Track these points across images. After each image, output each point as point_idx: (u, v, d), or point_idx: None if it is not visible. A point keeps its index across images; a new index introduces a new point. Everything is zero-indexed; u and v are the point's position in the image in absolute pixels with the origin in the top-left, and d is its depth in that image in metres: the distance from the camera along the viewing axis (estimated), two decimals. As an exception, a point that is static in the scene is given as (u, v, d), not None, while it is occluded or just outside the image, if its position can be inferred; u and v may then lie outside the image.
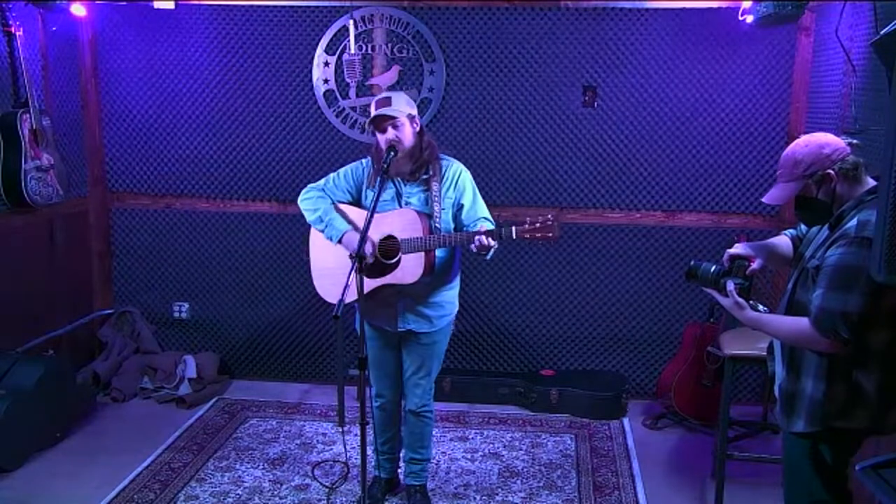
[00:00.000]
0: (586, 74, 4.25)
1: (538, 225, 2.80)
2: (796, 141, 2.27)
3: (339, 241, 3.00)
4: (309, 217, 3.09)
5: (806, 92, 4.06)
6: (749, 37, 4.07)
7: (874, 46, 2.52)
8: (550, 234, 2.81)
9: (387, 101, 2.93)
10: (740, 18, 3.91)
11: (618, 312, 4.47)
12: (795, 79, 4.09)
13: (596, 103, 4.26)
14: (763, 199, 2.34)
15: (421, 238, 2.90)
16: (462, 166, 3.08)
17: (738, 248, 2.46)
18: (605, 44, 4.20)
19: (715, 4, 4.07)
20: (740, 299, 2.32)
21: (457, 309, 3.19)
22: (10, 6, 3.80)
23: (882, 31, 2.34)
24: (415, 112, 3.00)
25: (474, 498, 3.44)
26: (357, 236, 2.90)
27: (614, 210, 4.38)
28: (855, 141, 2.22)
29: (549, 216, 2.81)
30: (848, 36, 3.31)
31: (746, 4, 3.82)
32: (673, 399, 4.09)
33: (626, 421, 4.22)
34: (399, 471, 3.48)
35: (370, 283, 2.85)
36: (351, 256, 2.80)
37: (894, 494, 1.79)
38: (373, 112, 2.94)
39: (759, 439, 3.90)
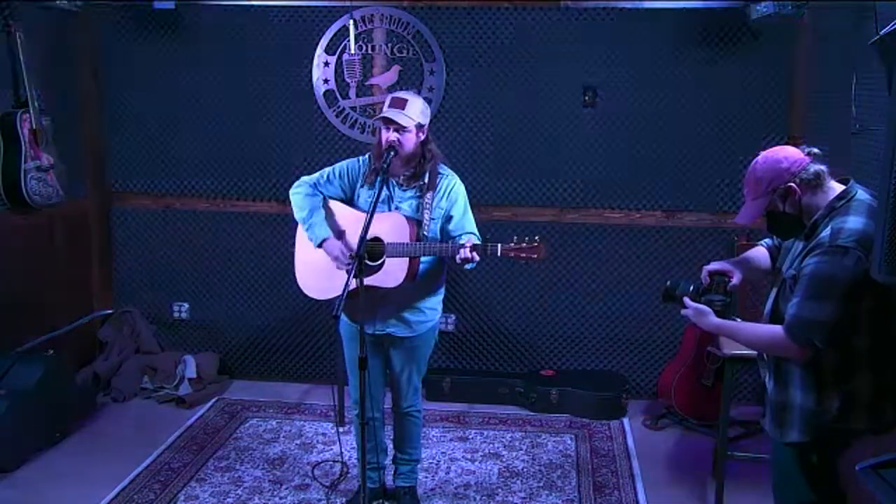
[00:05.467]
0: (586, 74, 4.24)
1: (524, 245, 2.82)
2: (756, 158, 2.26)
3: (319, 246, 3.02)
4: (296, 214, 3.11)
5: (806, 92, 4.06)
6: (749, 37, 4.07)
7: (874, 46, 2.52)
8: (535, 256, 2.82)
9: (402, 104, 2.92)
10: (740, 18, 3.90)
11: (618, 312, 4.46)
12: (795, 79, 4.08)
13: (596, 103, 4.26)
14: (735, 220, 2.35)
15: (406, 244, 2.91)
16: (458, 180, 3.08)
17: (715, 265, 2.46)
18: (605, 44, 4.20)
19: (715, 4, 4.07)
20: (702, 306, 2.33)
21: (439, 316, 3.18)
22: (10, 6, 3.79)
23: (882, 31, 2.34)
24: (425, 121, 2.98)
25: (474, 498, 3.44)
26: (336, 244, 3.00)
27: (614, 210, 4.37)
28: (815, 150, 2.21)
29: (537, 237, 2.83)
30: (848, 36, 3.30)
31: (746, 4, 3.81)
32: (673, 399, 4.08)
33: (626, 421, 4.22)
34: (387, 480, 3.45)
35: (353, 283, 2.83)
36: (351, 256, 2.80)
37: (894, 494, 1.79)
38: (385, 107, 2.94)
39: (759, 439, 3.89)
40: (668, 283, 2.46)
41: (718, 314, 2.33)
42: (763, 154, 2.25)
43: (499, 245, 2.82)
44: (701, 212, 4.31)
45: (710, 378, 4.00)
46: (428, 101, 4.30)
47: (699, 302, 2.37)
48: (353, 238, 2.99)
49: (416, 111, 2.93)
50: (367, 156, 3.12)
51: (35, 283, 4.22)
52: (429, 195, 2.99)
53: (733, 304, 2.37)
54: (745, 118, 4.17)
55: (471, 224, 3.06)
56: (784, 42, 4.06)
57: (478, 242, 2.91)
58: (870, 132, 3.00)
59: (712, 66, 4.15)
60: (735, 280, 2.42)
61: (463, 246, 2.80)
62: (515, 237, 2.85)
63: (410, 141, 2.94)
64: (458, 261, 2.82)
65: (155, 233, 4.71)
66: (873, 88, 3.05)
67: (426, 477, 3.60)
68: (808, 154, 2.20)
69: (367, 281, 2.90)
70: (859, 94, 3.18)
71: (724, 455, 3.26)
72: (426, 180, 3.00)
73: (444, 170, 3.08)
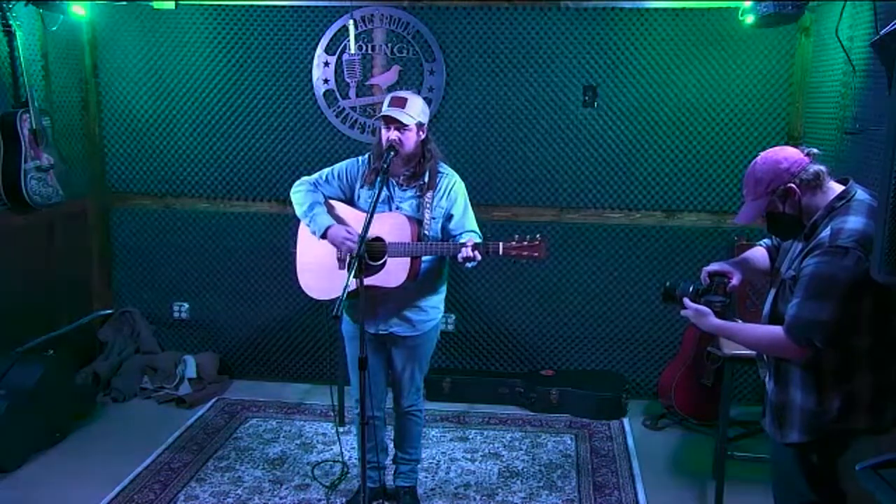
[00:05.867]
0: (586, 74, 4.25)
1: (525, 243, 2.82)
2: (755, 159, 2.26)
3: (323, 236, 3.01)
4: (297, 210, 3.10)
5: (806, 92, 4.06)
6: (749, 37, 4.07)
7: (874, 46, 2.52)
8: (537, 254, 2.82)
9: (402, 103, 2.92)
10: (740, 18, 3.91)
11: (618, 312, 4.46)
12: (795, 79, 4.09)
13: (596, 103, 4.26)
14: (734, 221, 2.34)
15: (408, 244, 2.91)
16: (458, 178, 3.08)
17: (715, 266, 2.46)
18: (605, 44, 4.20)
19: (715, 4, 4.07)
20: (701, 306, 2.33)
21: (441, 315, 3.18)
22: (10, 6, 3.79)
23: (882, 31, 2.34)
24: (425, 120, 2.99)
25: (474, 498, 3.44)
26: (340, 229, 2.97)
27: (614, 210, 4.38)
28: (814, 150, 2.21)
29: (538, 235, 2.84)
30: (848, 36, 3.31)
31: (746, 4, 3.82)
32: (673, 399, 4.09)
33: (626, 421, 4.22)
34: (387, 480, 3.44)
35: (354, 283, 2.83)
36: (352, 256, 2.81)
37: (894, 494, 1.79)
38: (385, 106, 2.93)
39: (759, 439, 3.88)
40: (668, 283, 2.46)
41: (718, 315, 2.33)
42: (762, 154, 2.25)
43: (500, 244, 2.83)
44: (701, 212, 4.32)
45: (710, 378, 4.00)
46: (428, 101, 4.31)
47: (699, 303, 2.36)
48: (356, 231, 2.98)
49: (416, 110, 2.93)
50: (366, 156, 3.12)
51: (35, 283, 4.22)
52: (429, 194, 2.99)
53: (732, 304, 2.36)
54: (745, 118, 4.18)
55: (472, 222, 3.07)
56: (784, 42, 4.07)
57: (479, 241, 2.92)
58: (870, 132, 3.00)
59: (712, 66, 4.15)
60: (735, 281, 2.42)
61: (464, 245, 2.80)
62: (517, 236, 2.85)
63: (411, 140, 2.94)
64: (459, 260, 2.83)
65: (155, 233, 4.71)
66: (873, 88, 3.05)
67: (426, 477, 3.60)
68: (808, 154, 2.19)
69: (369, 281, 2.91)
70: (859, 94, 3.18)
71: (724, 455, 3.26)
72: (426, 180, 3.00)
73: (444, 168, 3.08)
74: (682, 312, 2.39)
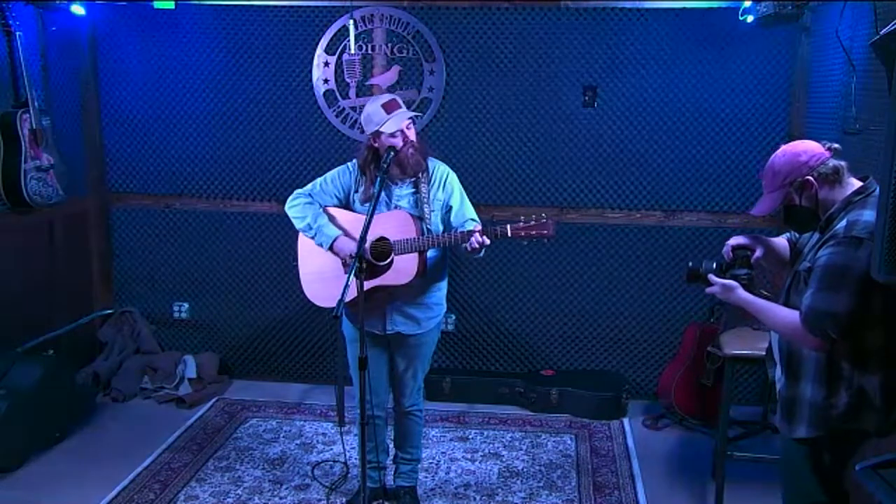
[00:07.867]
0: (586, 74, 4.25)
1: (533, 223, 2.81)
2: (776, 151, 2.27)
3: (330, 248, 3.00)
4: (298, 224, 3.08)
5: (806, 92, 4.06)
6: (749, 37, 4.07)
7: (874, 46, 2.52)
8: (546, 232, 2.81)
9: (397, 104, 2.93)
10: (740, 18, 3.91)
11: (618, 312, 4.46)
12: (795, 79, 4.08)
13: (596, 103, 4.26)
14: (751, 212, 2.35)
15: (414, 239, 2.90)
16: (448, 168, 3.09)
17: (738, 239, 2.45)
18: (605, 44, 4.20)
19: (715, 4, 4.07)
20: (728, 281, 2.32)
21: (444, 310, 3.18)
22: (10, 6, 3.79)
23: (882, 31, 2.34)
24: None
25: (474, 498, 3.44)
26: (348, 241, 2.97)
27: (614, 210, 4.38)
28: (835, 145, 2.21)
29: (544, 214, 2.83)
30: (848, 36, 3.31)
31: (746, 4, 3.82)
32: (673, 399, 4.08)
33: (626, 421, 4.22)
34: (387, 480, 3.44)
35: (355, 284, 2.81)
36: (350, 256, 2.81)
37: (894, 494, 1.78)
38: (384, 115, 2.90)
39: (759, 439, 3.89)
40: (690, 263, 2.44)
41: (745, 288, 2.32)
42: (783, 147, 2.26)
43: (508, 226, 2.82)
44: (701, 212, 4.32)
45: (710, 378, 4.00)
46: (428, 101, 4.33)
47: (724, 277, 2.36)
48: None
49: (404, 103, 2.97)
50: (354, 162, 3.10)
51: (35, 282, 4.22)
52: (424, 188, 3.00)
53: (755, 278, 2.36)
54: (744, 118, 4.18)
55: (471, 210, 3.08)
56: (784, 42, 4.07)
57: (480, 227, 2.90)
58: (870, 132, 3.00)
59: (712, 67, 4.15)
60: (758, 253, 2.41)
61: (472, 232, 2.79)
62: (522, 217, 2.84)
63: (413, 135, 2.97)
64: (470, 249, 2.80)
65: (155, 233, 4.71)
66: (873, 88, 3.06)
67: (426, 477, 3.60)
68: (829, 149, 2.19)
69: (379, 281, 2.92)
70: (859, 94, 3.18)
71: (724, 455, 3.26)
72: (420, 174, 3.01)
73: (431, 159, 3.09)
74: (708, 290, 2.38)
